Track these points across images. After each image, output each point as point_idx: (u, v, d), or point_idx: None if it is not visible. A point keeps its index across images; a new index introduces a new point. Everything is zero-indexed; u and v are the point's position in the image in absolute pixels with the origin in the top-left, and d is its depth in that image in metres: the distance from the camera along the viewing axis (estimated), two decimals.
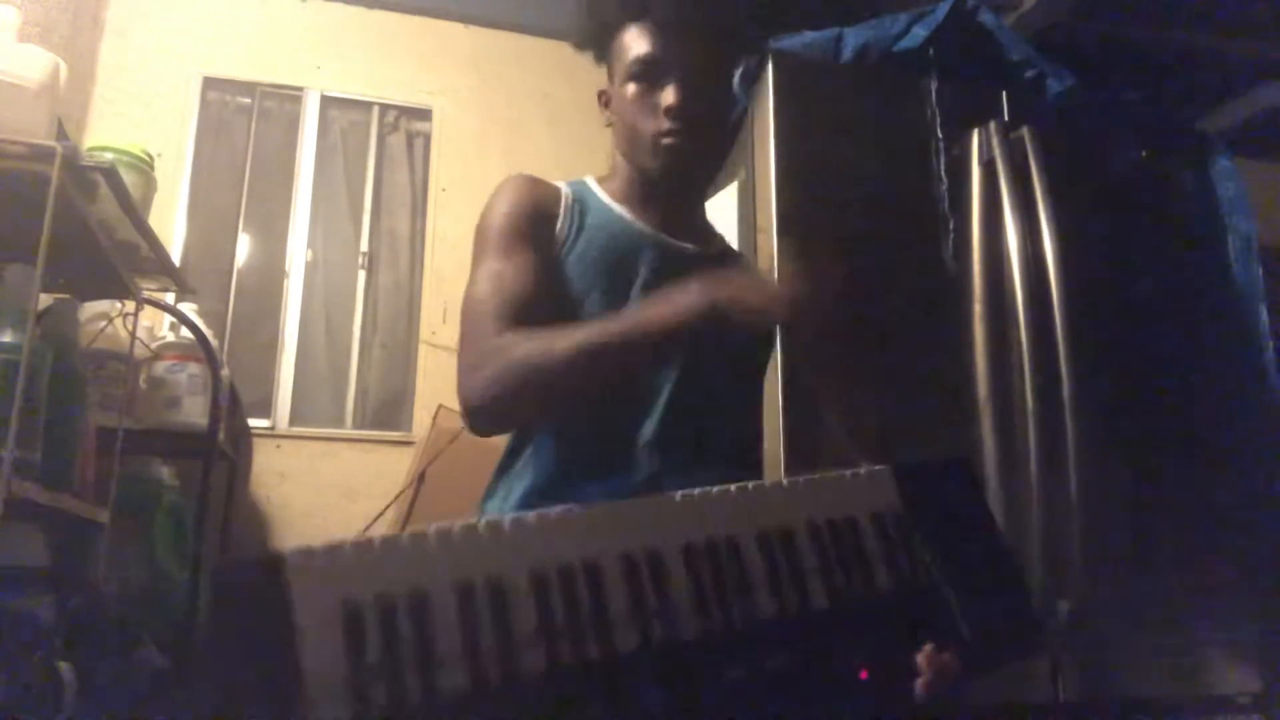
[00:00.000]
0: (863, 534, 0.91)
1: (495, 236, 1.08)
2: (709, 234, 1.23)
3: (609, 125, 1.17)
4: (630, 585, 0.78)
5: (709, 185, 1.26)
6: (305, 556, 0.66)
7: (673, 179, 1.12)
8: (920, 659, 0.85)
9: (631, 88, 1.10)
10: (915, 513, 0.95)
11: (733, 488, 0.88)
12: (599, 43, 1.16)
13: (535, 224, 1.09)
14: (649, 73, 1.09)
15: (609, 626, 0.75)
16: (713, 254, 1.18)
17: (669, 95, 1.07)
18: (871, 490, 0.95)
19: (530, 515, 0.78)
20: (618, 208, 1.15)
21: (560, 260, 1.09)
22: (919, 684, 0.84)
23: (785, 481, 0.93)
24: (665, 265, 1.10)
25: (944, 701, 0.85)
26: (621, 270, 1.10)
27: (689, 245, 1.15)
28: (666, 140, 1.08)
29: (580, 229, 1.12)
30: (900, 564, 0.91)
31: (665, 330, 0.91)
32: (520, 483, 1.10)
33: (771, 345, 1.25)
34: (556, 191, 1.15)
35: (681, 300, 0.91)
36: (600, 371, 0.95)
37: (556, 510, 0.79)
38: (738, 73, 1.26)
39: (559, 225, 1.11)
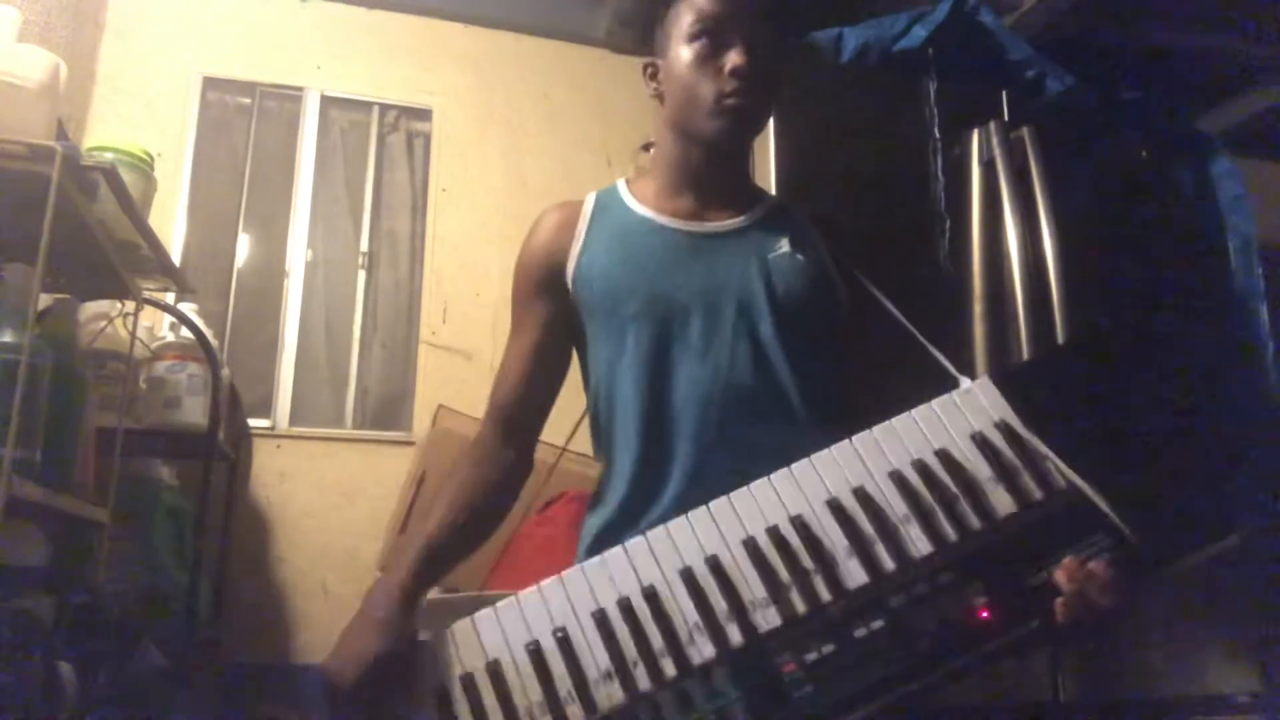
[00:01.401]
0: (959, 462, 0.87)
1: (513, 302, 1.21)
2: (754, 199, 1.20)
3: (655, 96, 1.17)
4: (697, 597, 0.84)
5: (748, 155, 1.24)
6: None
7: (728, 142, 1.13)
8: (1059, 575, 0.79)
9: (691, 49, 1.10)
10: (1035, 416, 0.88)
11: (802, 462, 0.89)
12: (653, 10, 1.17)
13: (544, 270, 1.16)
14: (713, 32, 1.09)
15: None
16: (755, 222, 1.16)
17: (735, 56, 1.07)
18: (968, 411, 0.90)
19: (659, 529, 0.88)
20: (638, 206, 1.17)
21: (578, 268, 1.14)
22: (1058, 605, 0.78)
23: (859, 437, 0.90)
24: (690, 245, 1.12)
25: (1120, 614, 0.78)
26: (644, 254, 1.12)
27: (723, 223, 1.15)
28: (729, 101, 1.08)
29: (600, 233, 1.15)
30: (1020, 480, 0.85)
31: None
32: (594, 519, 1.12)
33: (833, 301, 1.16)
34: (577, 210, 1.18)
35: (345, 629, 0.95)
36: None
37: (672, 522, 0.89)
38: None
39: (575, 241, 1.15)
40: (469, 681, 0.82)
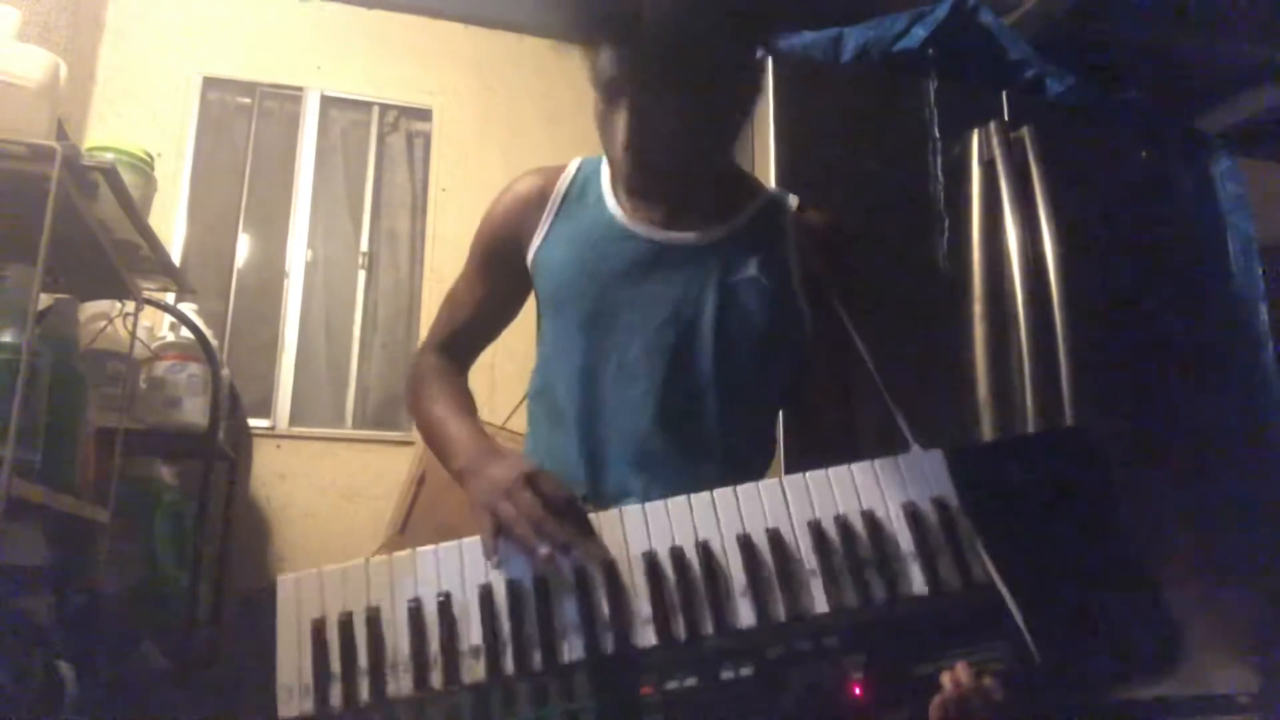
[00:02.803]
0: (883, 528, 0.83)
1: (471, 247, 1.23)
2: (735, 204, 1.12)
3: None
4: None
5: (725, 161, 1.14)
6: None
7: (648, 189, 1.07)
8: (946, 676, 0.74)
9: (599, 104, 1.05)
10: (978, 501, 0.82)
11: (726, 490, 0.88)
12: (581, 44, 1.09)
13: (505, 241, 1.17)
14: (608, 94, 1.02)
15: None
16: (727, 236, 1.09)
17: (622, 129, 0.99)
18: (910, 476, 0.86)
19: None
20: (611, 200, 1.13)
21: (538, 254, 1.14)
22: (934, 705, 0.73)
23: (790, 479, 0.88)
24: (651, 258, 1.08)
25: None
26: (602, 260, 1.09)
27: (694, 234, 1.08)
28: (626, 174, 1.05)
29: (566, 223, 1.13)
30: (939, 563, 0.81)
31: (447, 465, 1.06)
32: None
33: (792, 331, 1.09)
34: (553, 183, 1.17)
35: (459, 461, 1.02)
36: (427, 440, 1.14)
37: None
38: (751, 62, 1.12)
39: (541, 224, 1.14)
40: (346, 620, 0.84)
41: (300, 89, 3.27)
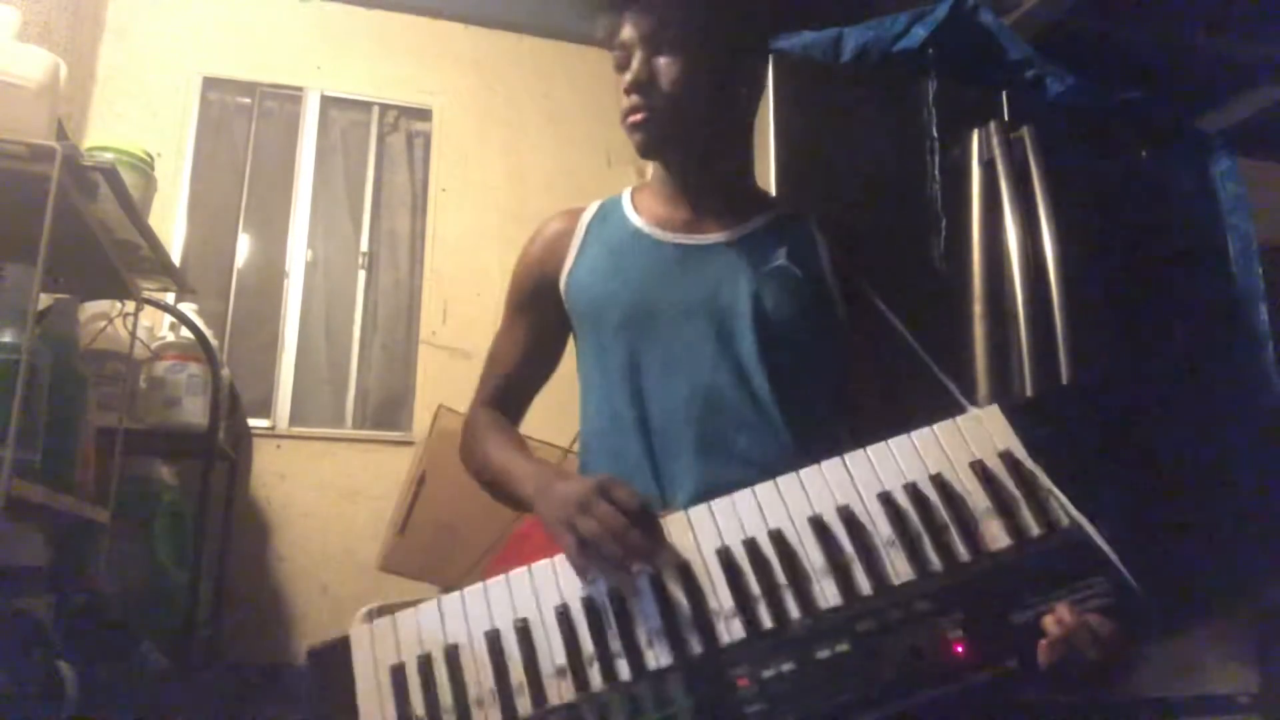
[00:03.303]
0: (954, 490, 0.84)
1: (508, 298, 1.24)
2: (754, 208, 1.18)
3: None
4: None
5: (743, 161, 1.21)
6: None
7: (647, 157, 1.14)
8: (1049, 619, 0.74)
9: (615, 76, 1.12)
10: (1042, 450, 0.84)
11: (789, 476, 0.88)
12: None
13: (538, 281, 1.20)
14: (617, 57, 1.11)
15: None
16: (751, 233, 1.14)
17: (626, 74, 1.09)
18: (971, 437, 0.87)
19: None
20: (635, 217, 1.17)
21: (569, 279, 1.16)
22: (1042, 649, 0.73)
23: (851, 455, 0.88)
24: (680, 258, 1.12)
25: (1109, 670, 0.73)
26: (633, 266, 1.13)
27: (717, 235, 1.13)
28: (630, 119, 1.10)
29: (594, 245, 1.17)
30: (1018, 514, 0.81)
31: (514, 496, 1.06)
32: None
33: (827, 318, 1.13)
34: (576, 219, 1.20)
35: (527, 486, 1.01)
36: (494, 491, 1.13)
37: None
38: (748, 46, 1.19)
39: (569, 252, 1.18)
40: (425, 661, 0.83)
41: (300, 89, 3.27)
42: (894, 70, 2.04)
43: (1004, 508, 0.82)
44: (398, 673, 0.82)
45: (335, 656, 0.84)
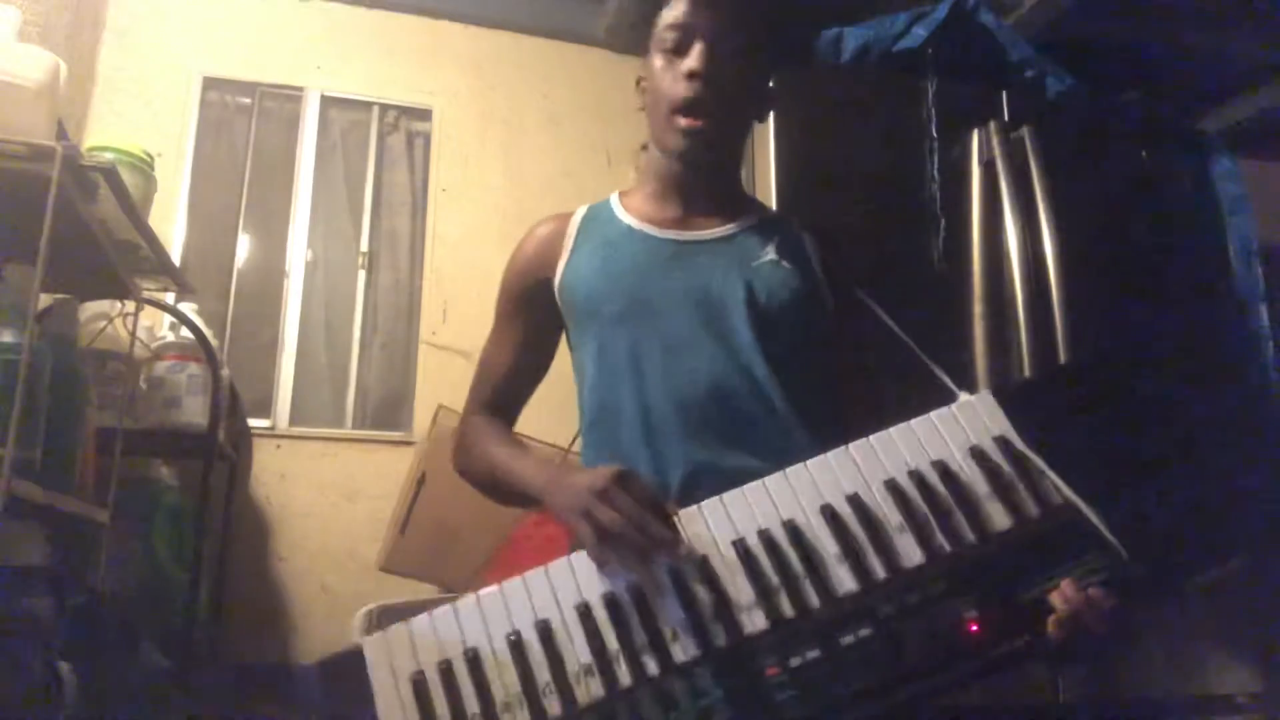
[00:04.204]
0: (956, 475, 0.86)
1: (497, 304, 1.24)
2: (743, 208, 1.20)
3: (642, 109, 1.18)
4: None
5: (738, 164, 1.23)
6: None
7: (690, 158, 1.12)
8: (1055, 596, 0.78)
9: (659, 59, 1.11)
10: (1032, 433, 0.87)
11: (797, 467, 0.89)
12: (647, 23, 1.16)
13: (531, 283, 1.19)
14: (677, 39, 1.10)
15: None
16: (741, 230, 1.16)
17: (691, 59, 1.08)
18: (967, 424, 0.90)
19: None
20: (625, 216, 1.18)
21: (563, 278, 1.16)
22: (1051, 624, 0.77)
23: (856, 444, 0.90)
24: (674, 252, 1.13)
25: (1114, 640, 0.78)
26: (628, 259, 1.13)
27: (708, 231, 1.15)
28: (682, 120, 1.08)
29: (586, 244, 1.17)
30: (1016, 496, 0.85)
31: (520, 493, 1.06)
32: None
33: (818, 312, 1.15)
34: (566, 222, 1.20)
35: (537, 481, 1.02)
36: (494, 491, 1.14)
37: None
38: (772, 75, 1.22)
39: (563, 251, 1.18)
40: (446, 668, 0.81)
41: (300, 89, 3.27)
42: (894, 70, 2.04)
43: (1003, 490, 0.85)
44: (419, 682, 0.81)
45: (349, 667, 0.84)
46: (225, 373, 2.51)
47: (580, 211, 1.22)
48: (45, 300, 1.74)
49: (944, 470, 0.87)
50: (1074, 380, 0.98)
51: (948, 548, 0.83)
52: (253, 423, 2.96)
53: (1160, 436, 0.91)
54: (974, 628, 0.78)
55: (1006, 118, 2.01)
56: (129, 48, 3.06)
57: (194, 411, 2.36)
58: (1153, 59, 2.53)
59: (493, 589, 0.86)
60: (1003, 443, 0.88)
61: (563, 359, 1.25)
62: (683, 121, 1.08)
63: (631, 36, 1.19)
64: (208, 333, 2.40)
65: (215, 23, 3.19)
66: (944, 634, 0.78)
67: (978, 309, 1.91)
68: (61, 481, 1.62)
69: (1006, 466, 0.86)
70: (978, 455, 0.87)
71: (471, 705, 0.79)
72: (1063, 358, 1.82)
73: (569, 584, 0.85)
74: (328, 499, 2.93)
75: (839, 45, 2.03)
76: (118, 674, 1.76)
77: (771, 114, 1.34)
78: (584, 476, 0.91)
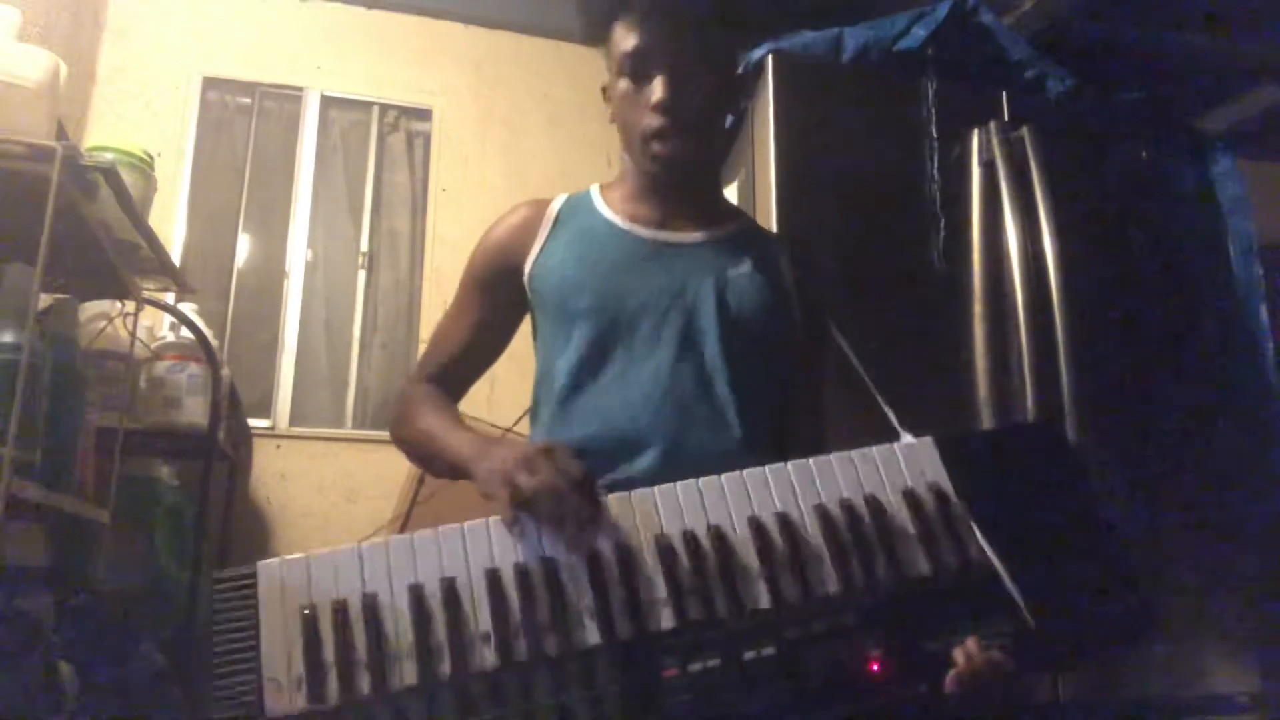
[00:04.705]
0: (887, 513, 0.86)
1: (462, 280, 1.23)
2: (723, 216, 1.19)
3: (612, 121, 1.16)
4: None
5: (718, 171, 1.23)
6: None
7: (667, 178, 1.11)
8: (958, 652, 0.78)
9: (623, 84, 1.10)
10: (967, 486, 0.87)
11: (734, 474, 0.88)
12: (598, 38, 1.15)
13: (500, 265, 1.18)
14: (637, 67, 1.08)
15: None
16: (719, 238, 1.15)
17: (656, 90, 1.06)
18: (906, 464, 0.89)
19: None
20: (605, 210, 1.17)
21: (535, 265, 1.15)
22: (949, 678, 0.77)
23: (795, 463, 0.89)
24: (650, 252, 1.12)
25: (1004, 702, 0.78)
26: (603, 253, 1.12)
27: (687, 235, 1.14)
28: (655, 146, 1.07)
29: (562, 234, 1.16)
30: (938, 545, 0.84)
31: (450, 464, 1.04)
32: None
33: (788, 327, 1.14)
34: (544, 209, 1.19)
35: (465, 450, 1.00)
36: (426, 461, 1.15)
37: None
38: (740, 65, 1.21)
39: (537, 239, 1.16)
40: (340, 607, 0.78)
41: (300, 89, 3.27)
42: (894, 70, 2.04)
43: (927, 537, 0.85)
44: (309, 616, 0.78)
45: (241, 587, 0.79)
46: (225, 373, 2.51)
47: (559, 200, 1.20)
48: (45, 300, 1.74)
49: (875, 505, 0.86)
50: (1018, 440, 0.97)
51: (863, 582, 0.82)
52: (253, 423, 2.96)
53: (1094, 510, 0.90)
54: (874, 667, 0.78)
55: (1006, 118, 2.01)
56: (129, 48, 3.06)
57: (194, 411, 2.36)
58: (1153, 59, 2.53)
59: (404, 537, 0.83)
60: (935, 489, 0.88)
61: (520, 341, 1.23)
62: (655, 148, 1.08)
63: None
64: (208, 333, 2.40)
65: (215, 23, 3.19)
66: (845, 667, 0.78)
67: (978, 309, 1.91)
68: (61, 481, 1.62)
69: (935, 514, 0.86)
70: (909, 497, 0.87)
71: (360, 650, 0.77)
72: (1062, 357, 1.81)
73: (483, 546, 0.83)
74: (328, 499, 2.93)
75: (839, 45, 2.03)
76: (118, 674, 1.76)
77: (770, 108, 1.33)
78: (513, 449, 0.90)
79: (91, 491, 1.84)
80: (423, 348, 3.22)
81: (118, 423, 1.98)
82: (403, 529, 2.44)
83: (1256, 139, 2.79)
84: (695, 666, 0.77)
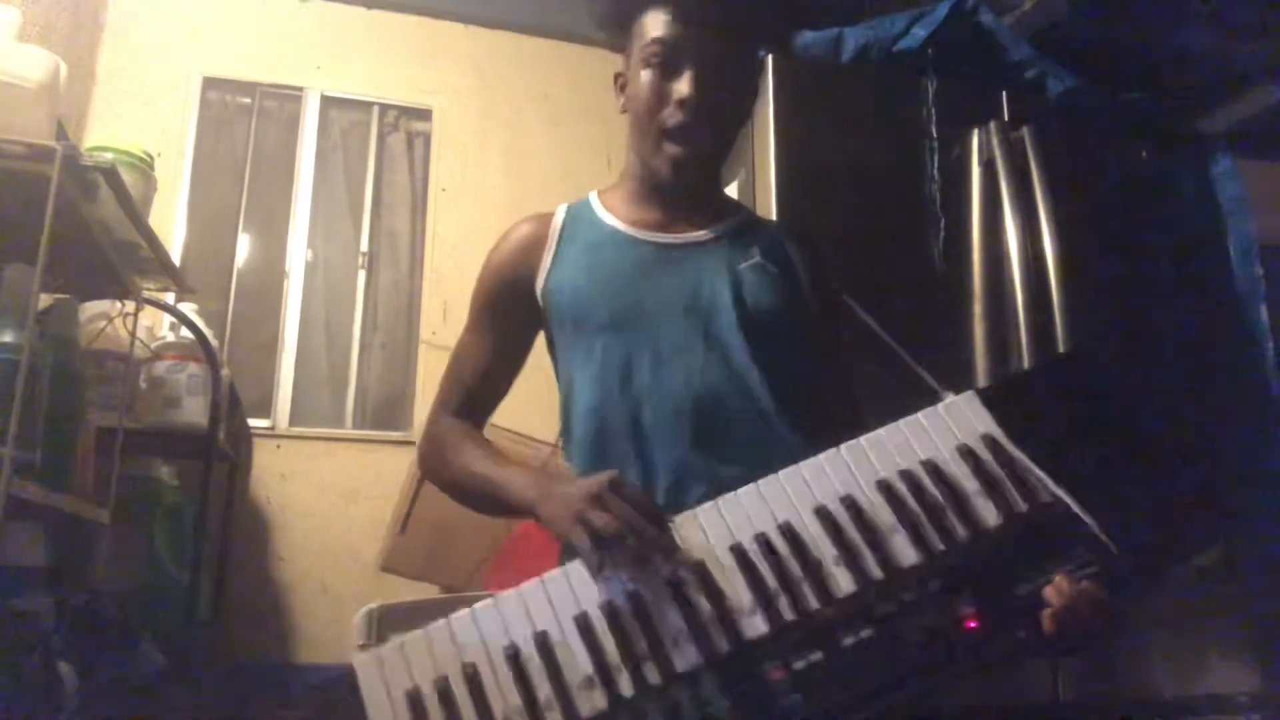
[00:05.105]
0: (946, 474, 0.87)
1: (473, 304, 1.22)
2: (724, 211, 1.19)
3: (623, 112, 1.16)
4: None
5: (720, 170, 1.23)
6: None
7: (675, 179, 1.11)
8: (1050, 591, 0.79)
9: (647, 73, 1.08)
10: (1018, 430, 0.88)
11: (791, 469, 0.89)
12: (620, 24, 1.14)
13: (511, 283, 1.17)
14: (667, 58, 1.07)
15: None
16: (724, 233, 1.15)
17: (683, 84, 1.05)
18: (954, 423, 0.90)
19: None
20: (609, 217, 1.16)
21: (548, 282, 1.14)
22: (1046, 618, 0.77)
23: (847, 445, 0.90)
24: (659, 256, 1.12)
25: (1106, 630, 0.78)
26: (614, 265, 1.12)
27: (692, 234, 1.14)
28: (671, 145, 1.07)
29: (569, 247, 1.15)
30: (1004, 493, 0.85)
31: (508, 504, 1.03)
32: None
33: (804, 313, 1.14)
34: (547, 223, 1.18)
35: (528, 493, 0.98)
36: (475, 501, 1.12)
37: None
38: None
39: (545, 255, 1.16)
40: (444, 685, 0.79)
41: (300, 89, 3.27)
42: (894, 70, 2.04)
43: (992, 488, 0.86)
44: (415, 700, 0.78)
45: (341, 692, 0.81)
46: (225, 373, 2.51)
47: (560, 212, 1.19)
48: (45, 300, 1.74)
49: (934, 469, 0.87)
50: (1054, 375, 0.99)
51: (941, 546, 0.83)
52: (253, 423, 2.96)
53: (1140, 427, 0.93)
54: (972, 624, 0.78)
55: (1006, 118, 2.01)
56: (129, 48, 3.06)
57: (194, 411, 2.36)
58: (1153, 59, 2.53)
59: (487, 603, 0.84)
60: (990, 441, 0.89)
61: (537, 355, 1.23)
62: (671, 149, 1.07)
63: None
64: (208, 333, 2.40)
65: (215, 23, 3.19)
66: (943, 631, 0.78)
67: (978, 309, 1.91)
68: (61, 481, 1.62)
69: (993, 464, 0.87)
70: (965, 454, 0.88)
71: None
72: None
73: (566, 595, 0.84)
74: (328, 499, 2.93)
75: (839, 45, 2.03)
76: (118, 674, 1.76)
77: (770, 108, 1.34)
78: (577, 485, 0.90)
79: (91, 491, 1.84)
80: (423, 348, 3.26)
81: (118, 423, 1.98)
82: (403, 529, 2.44)
83: (1256, 139, 2.79)
84: (799, 664, 0.77)
